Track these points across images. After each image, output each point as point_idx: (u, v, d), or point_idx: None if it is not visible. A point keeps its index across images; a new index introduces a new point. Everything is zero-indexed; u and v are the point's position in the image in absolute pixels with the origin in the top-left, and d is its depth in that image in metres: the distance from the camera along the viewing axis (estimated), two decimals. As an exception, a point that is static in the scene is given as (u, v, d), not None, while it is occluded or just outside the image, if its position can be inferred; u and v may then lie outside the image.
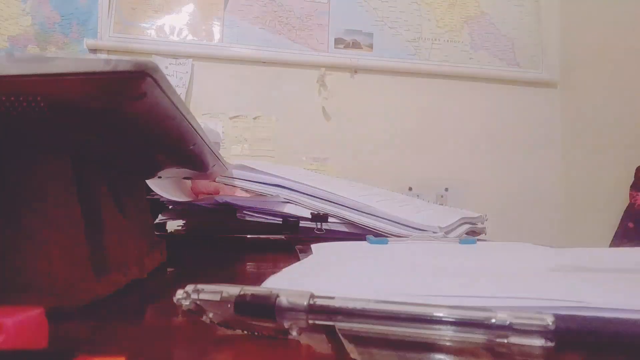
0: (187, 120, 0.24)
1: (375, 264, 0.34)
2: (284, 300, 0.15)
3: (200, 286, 0.17)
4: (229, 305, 0.16)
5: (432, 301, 0.20)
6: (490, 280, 0.27)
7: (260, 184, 0.60)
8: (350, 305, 0.15)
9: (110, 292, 0.25)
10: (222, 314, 0.16)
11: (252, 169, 0.60)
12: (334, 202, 0.58)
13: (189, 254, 0.47)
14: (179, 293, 0.17)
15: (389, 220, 0.54)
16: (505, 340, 0.13)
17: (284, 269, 0.31)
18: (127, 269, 0.28)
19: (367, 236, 0.51)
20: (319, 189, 0.59)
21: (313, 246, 0.46)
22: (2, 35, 1.26)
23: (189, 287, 0.17)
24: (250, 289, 0.16)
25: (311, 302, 0.15)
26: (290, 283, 0.27)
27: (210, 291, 0.16)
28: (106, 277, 0.25)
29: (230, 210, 0.57)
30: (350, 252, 0.40)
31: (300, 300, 0.15)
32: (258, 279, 0.34)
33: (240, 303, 0.16)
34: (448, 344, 0.14)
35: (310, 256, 0.38)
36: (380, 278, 0.28)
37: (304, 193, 0.59)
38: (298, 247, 0.48)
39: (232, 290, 0.16)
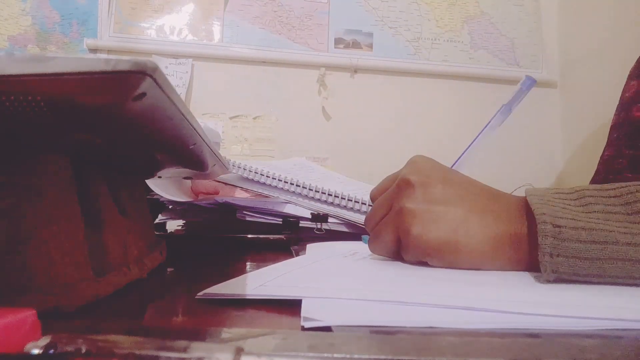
0: (187, 120, 0.24)
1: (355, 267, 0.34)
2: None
3: (65, 337, 0.13)
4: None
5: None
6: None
7: (261, 185, 0.60)
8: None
9: (110, 292, 0.25)
10: None
11: (252, 182, 0.60)
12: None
13: (189, 254, 0.47)
14: (29, 346, 0.13)
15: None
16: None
17: (260, 270, 0.32)
18: (127, 269, 0.28)
19: (363, 236, 0.51)
20: (322, 192, 0.58)
21: (309, 246, 0.46)
22: (2, 35, 1.26)
23: (43, 340, 0.13)
24: (150, 344, 0.12)
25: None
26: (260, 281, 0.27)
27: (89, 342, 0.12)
28: (106, 277, 0.25)
29: (230, 210, 0.57)
30: (338, 253, 0.40)
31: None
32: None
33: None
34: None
35: (293, 258, 0.39)
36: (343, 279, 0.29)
37: (304, 196, 0.59)
38: (294, 247, 0.48)
39: (122, 341, 0.12)
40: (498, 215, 0.32)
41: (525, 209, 0.31)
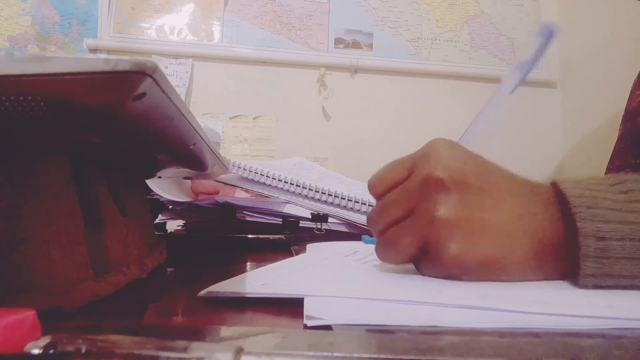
0: (187, 120, 0.24)
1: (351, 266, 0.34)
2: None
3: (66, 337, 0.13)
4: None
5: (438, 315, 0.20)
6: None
7: (261, 185, 0.60)
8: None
9: (110, 292, 0.25)
10: None
11: (252, 182, 0.60)
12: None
13: (189, 254, 0.47)
14: (29, 346, 0.13)
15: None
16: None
17: (262, 268, 0.32)
18: (127, 269, 0.28)
19: (363, 236, 0.51)
20: (321, 192, 0.58)
21: (309, 246, 0.46)
22: (2, 35, 1.26)
23: (43, 340, 0.13)
24: (150, 344, 0.12)
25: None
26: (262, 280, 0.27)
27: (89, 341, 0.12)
28: (106, 277, 0.25)
29: (230, 210, 0.57)
30: (339, 253, 0.40)
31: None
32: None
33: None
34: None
35: (292, 257, 0.39)
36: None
37: (304, 196, 0.59)
38: (294, 247, 0.48)
39: (121, 341, 0.12)
40: (540, 218, 0.28)
41: (563, 203, 0.27)
